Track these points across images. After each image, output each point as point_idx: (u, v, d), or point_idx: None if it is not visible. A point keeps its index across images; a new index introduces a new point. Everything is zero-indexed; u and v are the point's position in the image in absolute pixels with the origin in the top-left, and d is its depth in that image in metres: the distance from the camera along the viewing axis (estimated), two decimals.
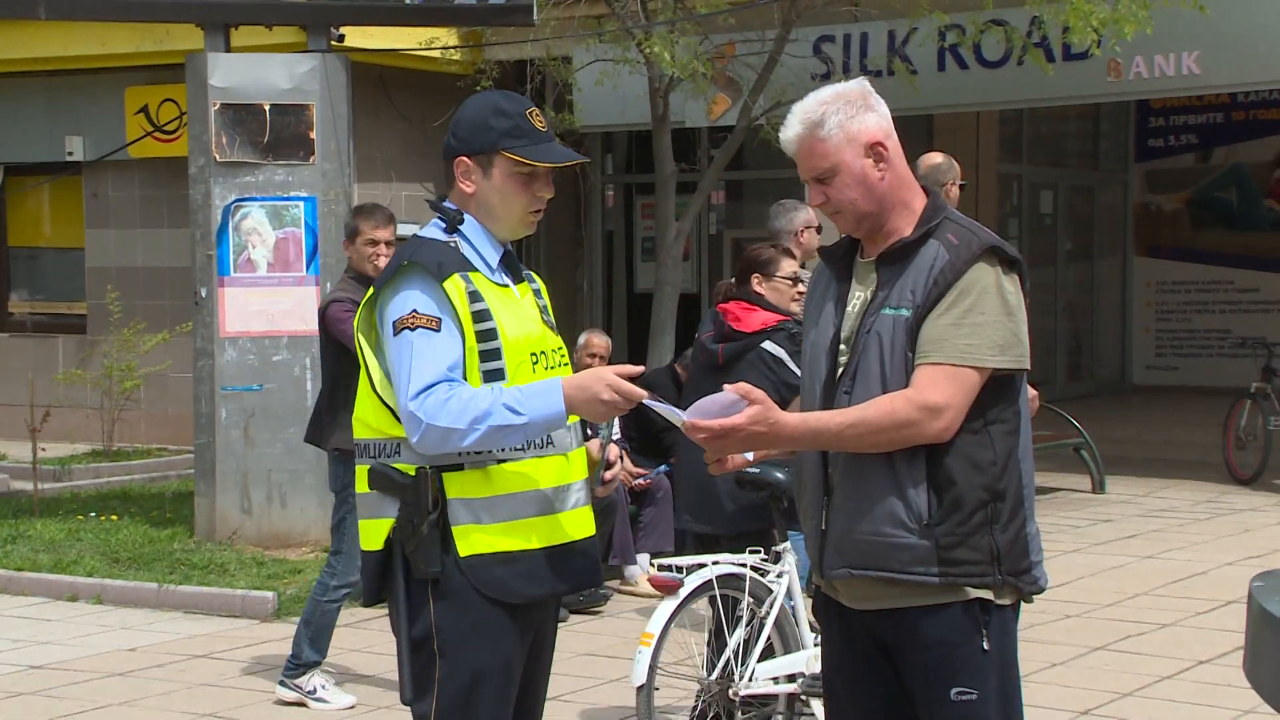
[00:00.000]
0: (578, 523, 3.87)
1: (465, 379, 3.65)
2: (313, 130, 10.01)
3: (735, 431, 3.45)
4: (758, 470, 5.33)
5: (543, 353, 3.83)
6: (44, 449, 12.41)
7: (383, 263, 6.52)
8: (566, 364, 3.93)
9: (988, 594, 3.51)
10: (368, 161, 14.28)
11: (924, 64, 13.64)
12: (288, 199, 9.87)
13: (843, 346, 3.63)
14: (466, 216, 3.83)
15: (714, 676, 5.64)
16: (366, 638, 8.00)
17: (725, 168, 13.33)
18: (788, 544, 5.72)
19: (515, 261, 3.92)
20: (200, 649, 8.04)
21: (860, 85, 3.65)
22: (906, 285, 3.55)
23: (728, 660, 5.61)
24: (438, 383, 3.60)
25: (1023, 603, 3.63)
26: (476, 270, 3.77)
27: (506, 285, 3.84)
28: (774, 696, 5.74)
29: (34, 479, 12.09)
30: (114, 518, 11.01)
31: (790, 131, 3.64)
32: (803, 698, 5.72)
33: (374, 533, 3.73)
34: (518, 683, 3.84)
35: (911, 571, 3.48)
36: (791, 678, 5.72)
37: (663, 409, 3.60)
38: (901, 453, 3.48)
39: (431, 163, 15.42)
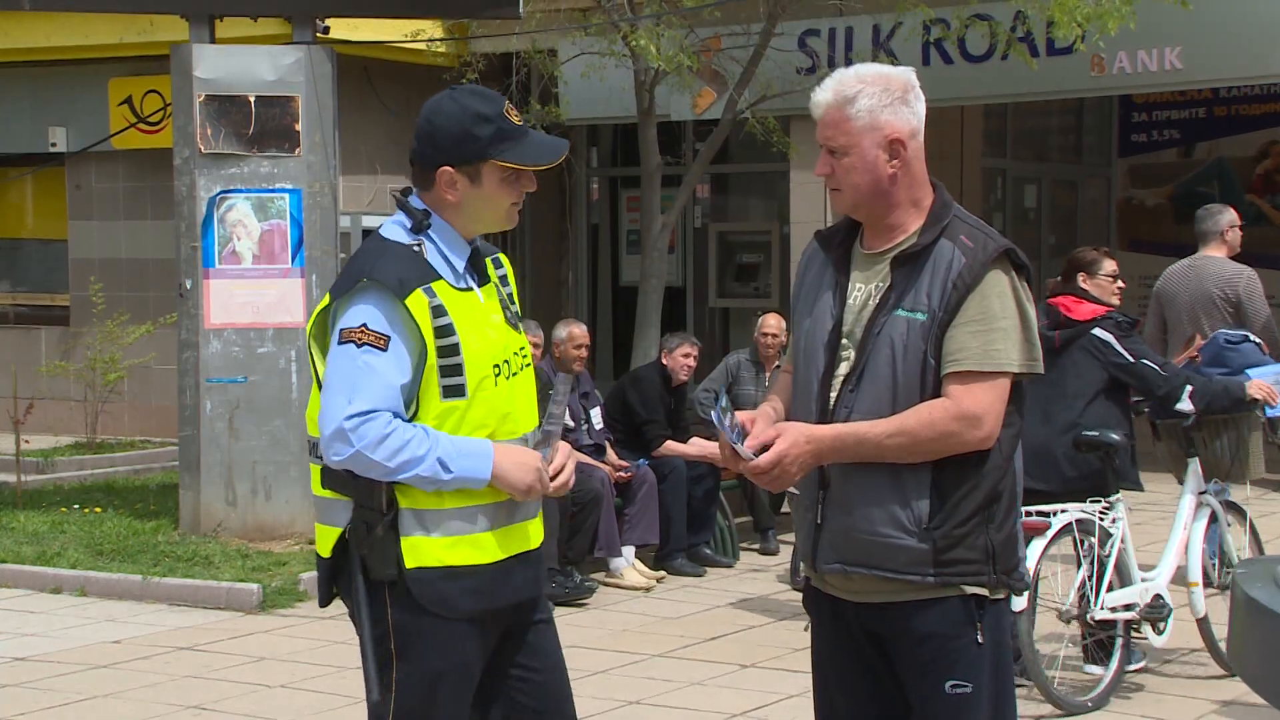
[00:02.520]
0: (526, 535, 3.80)
1: (417, 398, 3.62)
2: (298, 122, 9.99)
3: (783, 460, 3.43)
4: (1096, 433, 6.66)
5: (505, 361, 3.76)
6: (27, 441, 12.39)
7: None
8: (528, 364, 3.88)
9: (983, 591, 3.52)
10: (353, 153, 14.25)
11: (908, 58, 13.61)
12: (273, 191, 9.86)
13: (844, 341, 3.58)
14: (434, 218, 3.74)
15: (1070, 604, 6.76)
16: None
17: (710, 161, 13.34)
18: (1118, 495, 6.87)
19: (481, 260, 3.84)
20: (185, 641, 8.03)
21: (906, 76, 3.61)
22: (922, 288, 3.51)
23: (1083, 592, 6.70)
24: (379, 411, 3.55)
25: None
26: (440, 279, 3.68)
27: (470, 290, 3.75)
28: (1114, 622, 6.81)
29: (17, 471, 12.07)
30: (98, 510, 11.01)
31: (821, 96, 3.59)
32: (1135, 624, 6.89)
33: (325, 540, 3.70)
34: (477, 680, 3.80)
35: (907, 572, 3.48)
36: (1128, 606, 6.83)
37: (729, 436, 3.54)
38: (905, 468, 3.48)
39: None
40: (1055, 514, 6.59)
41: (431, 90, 14.70)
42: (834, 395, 3.56)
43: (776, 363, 10.42)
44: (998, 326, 3.47)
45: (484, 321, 3.74)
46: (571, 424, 9.54)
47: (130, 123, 14.96)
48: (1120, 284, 7.37)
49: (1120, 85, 14.21)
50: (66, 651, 7.81)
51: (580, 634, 8.07)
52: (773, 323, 10.56)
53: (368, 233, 13.78)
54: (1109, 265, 7.28)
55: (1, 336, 16.34)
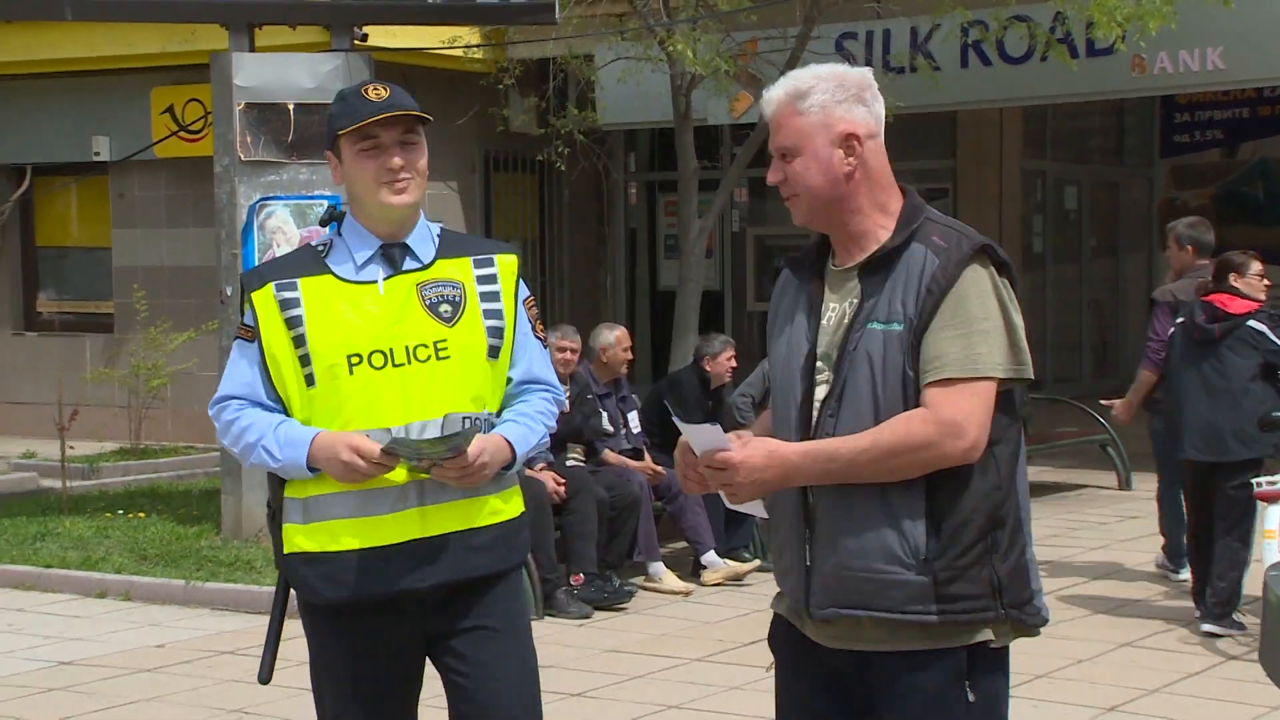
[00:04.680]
0: (402, 525, 3.68)
1: (274, 385, 3.72)
2: None
3: (734, 469, 3.16)
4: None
5: (377, 351, 3.67)
6: (72, 447, 12.51)
7: None
8: (430, 358, 3.71)
9: (987, 633, 3.19)
10: None
11: (947, 60, 13.65)
12: (312, 198, 9.91)
13: (819, 364, 3.29)
14: (347, 215, 3.83)
15: None
16: None
17: (747, 165, 13.36)
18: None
19: (401, 255, 3.78)
20: (227, 645, 8.09)
21: (863, 75, 3.36)
22: (896, 296, 3.21)
23: None
24: (230, 398, 3.78)
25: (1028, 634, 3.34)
26: (327, 273, 3.74)
27: (367, 283, 3.74)
28: None
29: (63, 477, 12.18)
30: (141, 515, 11.09)
31: (772, 93, 3.35)
32: None
33: None
34: (368, 683, 3.76)
35: (908, 610, 3.16)
36: None
37: (687, 427, 3.32)
38: (888, 485, 3.17)
39: (453, 160, 15.54)
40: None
41: (469, 96, 14.90)
42: (814, 420, 3.27)
43: None
44: (978, 329, 3.17)
45: (361, 311, 3.71)
46: (610, 429, 9.56)
47: (172, 131, 15.06)
48: (1266, 282, 8.42)
49: (1162, 86, 14.14)
50: (110, 655, 7.88)
51: (619, 638, 8.13)
52: (623, 336, 10.23)
53: None
54: (1256, 266, 8.29)
55: (47, 344, 16.50)
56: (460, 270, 3.80)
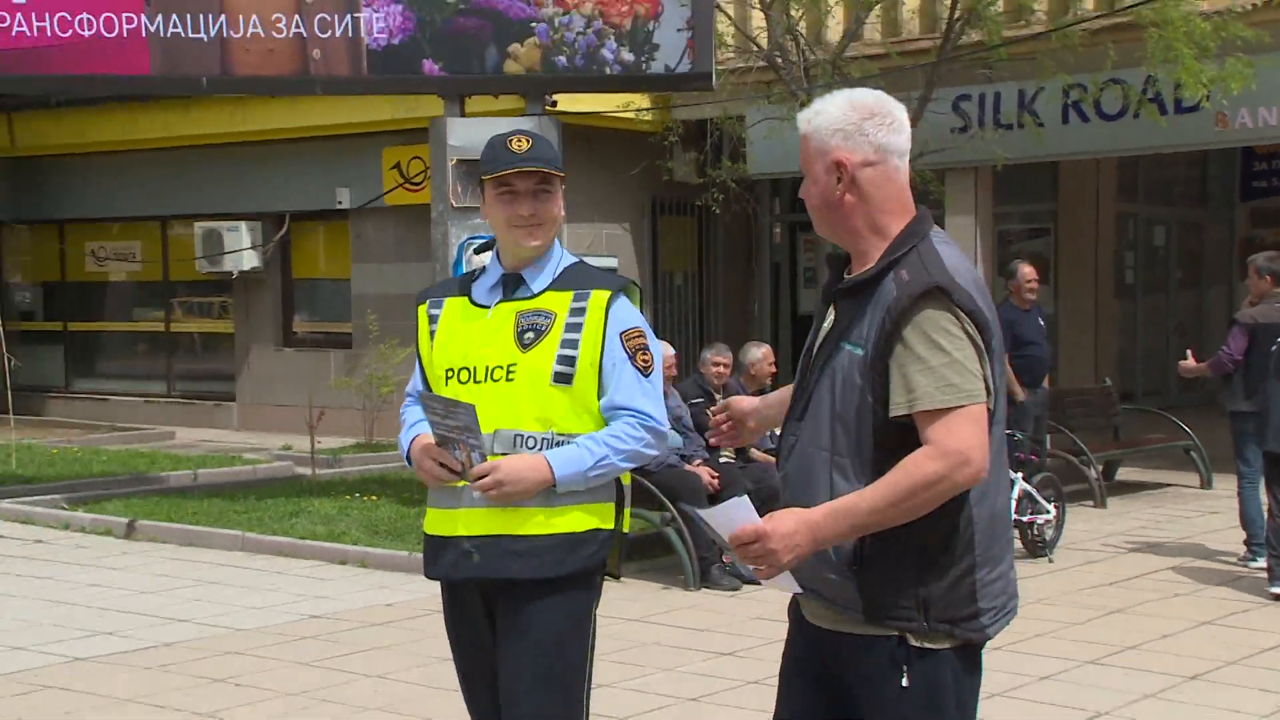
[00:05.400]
0: (453, 521, 3.54)
1: (430, 387, 3.64)
2: None
3: (765, 538, 2.82)
4: None
5: (465, 368, 3.53)
6: (320, 441, 12.82)
7: None
8: (501, 379, 3.49)
9: (911, 635, 2.88)
10: (576, 205, 14.47)
11: (1050, 118, 13.45)
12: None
13: (809, 371, 3.04)
14: (494, 246, 3.70)
15: None
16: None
17: None
18: None
19: (515, 285, 3.58)
20: (440, 606, 8.17)
21: (875, 102, 3.01)
22: (864, 322, 2.89)
23: None
24: (409, 394, 3.77)
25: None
26: (463, 296, 3.65)
27: (483, 307, 3.60)
28: None
29: (312, 466, 12.50)
30: (374, 498, 11.26)
31: (802, 115, 3.06)
32: None
33: None
34: (457, 651, 3.67)
35: (840, 604, 2.92)
36: None
37: (702, 519, 3.04)
38: (840, 490, 2.87)
39: (627, 206, 15.66)
40: None
41: (640, 151, 15.06)
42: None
43: None
44: (943, 361, 2.80)
45: (470, 333, 3.58)
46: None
47: (398, 183, 15.40)
48: None
49: (1242, 138, 13.74)
50: (349, 611, 8.04)
51: (763, 608, 7.95)
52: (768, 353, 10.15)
53: None
54: None
55: (300, 357, 16.92)
56: (560, 302, 3.53)
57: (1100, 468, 12.00)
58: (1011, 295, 11.21)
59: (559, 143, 10.48)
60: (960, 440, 2.78)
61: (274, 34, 10.46)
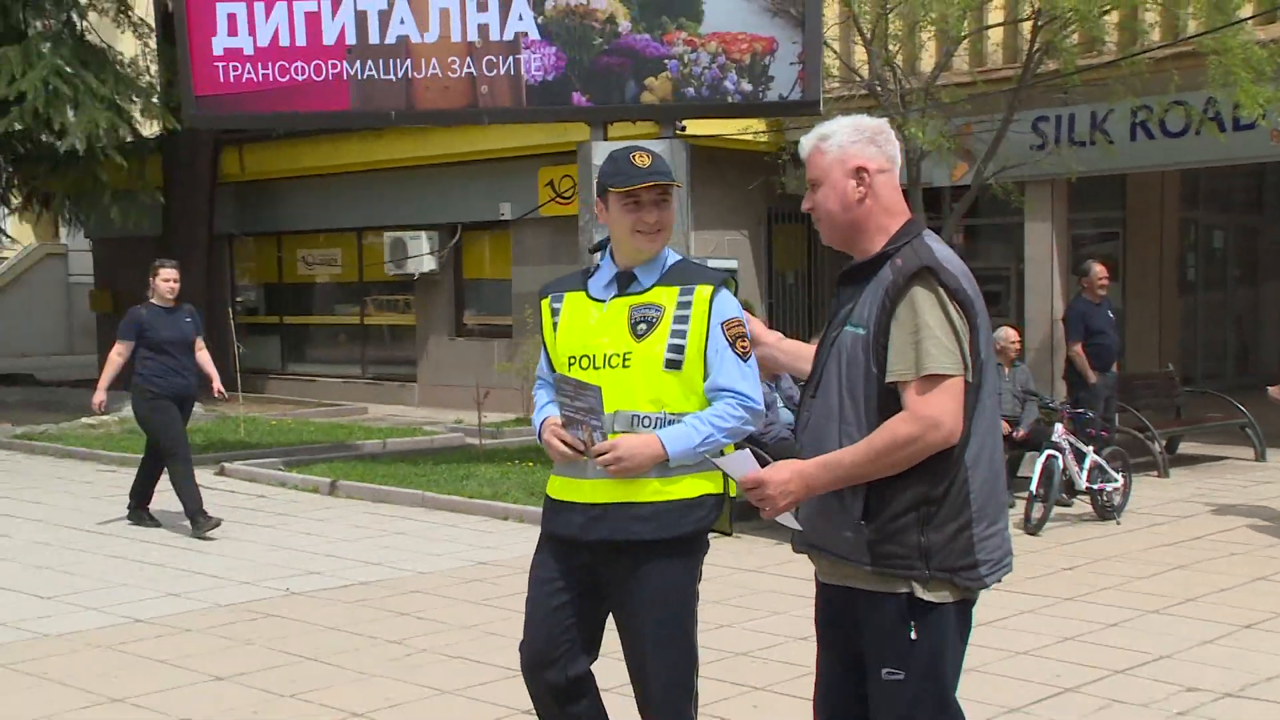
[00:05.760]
0: (577, 489, 3.46)
1: (554, 369, 3.56)
2: None
3: (763, 485, 2.86)
4: None
5: (585, 356, 3.44)
6: (485, 416, 12.98)
7: None
8: (618, 365, 3.40)
9: (917, 588, 2.84)
10: (702, 214, 14.48)
11: (1119, 135, 13.14)
12: None
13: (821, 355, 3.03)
14: (607, 246, 3.58)
15: None
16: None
17: (963, 216, 13.09)
18: None
19: (628, 281, 3.49)
20: None
21: (878, 123, 3.04)
22: (865, 304, 2.89)
23: None
24: (539, 378, 3.67)
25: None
26: (581, 290, 3.54)
27: (601, 301, 3.49)
28: None
29: (479, 437, 12.67)
30: (531, 464, 11.33)
31: (806, 139, 3.05)
32: None
33: None
34: (549, 597, 3.51)
35: (850, 558, 2.90)
36: None
37: (718, 465, 3.07)
38: None
39: (746, 215, 15.61)
40: None
41: (757, 168, 15.02)
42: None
43: (1014, 359, 10.13)
44: (926, 337, 2.78)
45: (589, 324, 3.48)
46: None
47: (551, 197, 15.50)
48: None
49: None
50: (510, 559, 8.10)
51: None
52: (1011, 333, 10.21)
53: None
54: None
55: (469, 345, 17.15)
56: (668, 297, 3.43)
57: (1163, 443, 11.71)
58: (1084, 291, 10.96)
59: (687, 162, 10.53)
60: (933, 407, 2.77)
61: (449, 74, 10.61)
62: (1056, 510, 9.44)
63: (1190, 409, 13.04)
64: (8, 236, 23.55)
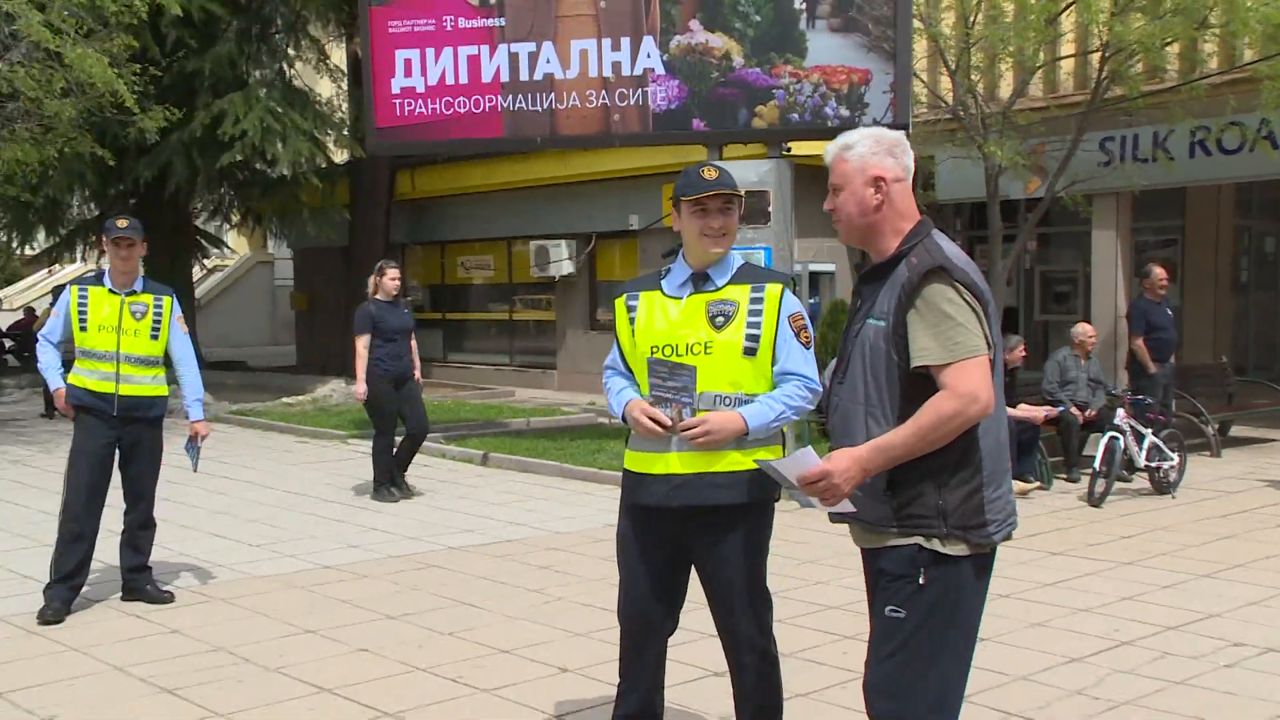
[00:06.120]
0: (659, 462, 3.40)
1: (626, 360, 3.53)
2: (770, 206, 10.12)
3: (828, 474, 2.76)
4: None
5: (668, 345, 3.40)
6: None
7: None
8: (700, 353, 3.38)
9: (936, 542, 2.75)
10: (804, 224, 14.30)
11: (1179, 153, 12.68)
12: (753, 249, 9.98)
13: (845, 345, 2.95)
14: (680, 251, 3.53)
15: None
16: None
17: (1036, 225, 12.74)
18: None
19: (702, 281, 3.45)
20: None
21: (897, 135, 2.92)
22: (884, 299, 2.81)
23: None
24: (609, 367, 3.62)
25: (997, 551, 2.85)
26: (656, 290, 3.50)
27: (677, 298, 3.45)
28: None
29: (609, 416, 12.64)
30: None
31: (830, 146, 2.95)
32: None
33: None
34: (644, 564, 3.46)
35: (879, 525, 2.82)
36: None
37: (774, 472, 2.94)
38: (874, 434, 2.78)
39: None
40: None
41: None
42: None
43: (1089, 352, 9.85)
44: (950, 324, 2.71)
45: (668, 318, 3.44)
46: None
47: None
48: None
49: None
50: None
51: None
52: (1088, 328, 10.00)
53: (815, 275, 13.85)
54: None
55: (601, 337, 17.15)
56: (740, 293, 3.42)
57: (1216, 426, 11.29)
58: (1146, 291, 10.61)
59: (792, 179, 10.44)
60: (970, 384, 2.70)
61: (587, 104, 10.67)
62: (1117, 485, 9.22)
63: (1242, 396, 12.52)
64: (229, 248, 24.55)
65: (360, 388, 8.95)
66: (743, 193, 3.55)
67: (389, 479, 9.01)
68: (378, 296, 9.00)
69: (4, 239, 20.12)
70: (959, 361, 2.71)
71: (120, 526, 6.09)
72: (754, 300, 3.42)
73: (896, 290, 2.78)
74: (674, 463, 3.40)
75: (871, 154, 2.88)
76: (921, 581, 2.76)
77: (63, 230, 20.02)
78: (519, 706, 4.45)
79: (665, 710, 3.65)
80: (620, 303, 3.56)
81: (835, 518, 2.92)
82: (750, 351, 3.38)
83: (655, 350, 3.42)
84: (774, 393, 3.40)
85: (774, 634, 3.52)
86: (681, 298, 3.46)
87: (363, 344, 8.90)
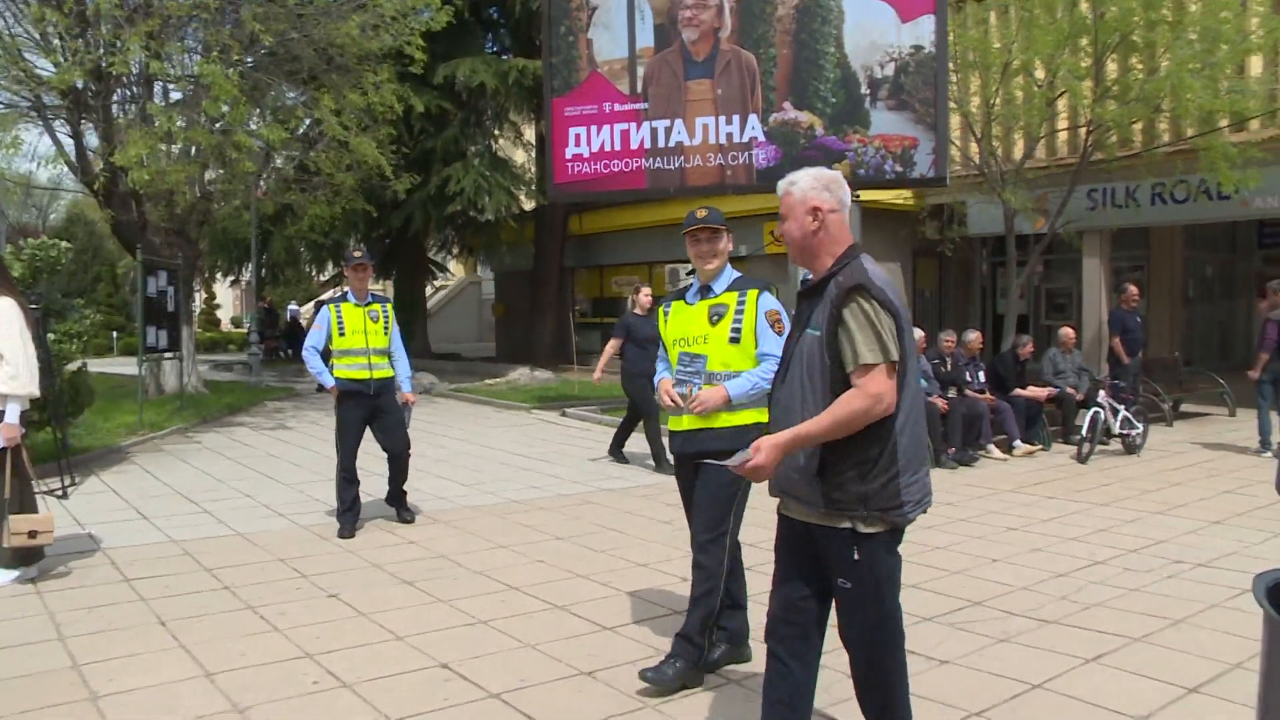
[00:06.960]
0: (682, 421, 3.48)
1: (665, 350, 3.58)
2: None
3: (759, 451, 2.52)
4: None
5: (684, 338, 3.47)
6: None
7: None
8: (700, 343, 3.43)
9: (859, 524, 2.53)
10: (868, 253, 13.79)
11: (1144, 201, 12.22)
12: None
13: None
14: (694, 272, 3.56)
15: None
16: None
17: (1041, 254, 12.29)
18: None
19: (706, 291, 3.51)
20: None
21: (834, 174, 2.66)
22: (819, 312, 2.56)
23: None
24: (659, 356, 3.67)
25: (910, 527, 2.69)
26: (681, 299, 3.54)
27: (692, 304, 3.50)
28: None
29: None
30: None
31: (780, 183, 2.69)
32: None
33: None
34: (684, 494, 3.59)
35: (809, 502, 2.58)
36: None
37: (721, 465, 2.74)
38: None
39: (899, 252, 15.03)
40: None
41: (906, 221, 14.35)
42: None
43: (1073, 348, 9.47)
44: (864, 335, 2.48)
45: (686, 319, 3.50)
46: (970, 380, 8.88)
47: (771, 241, 15.24)
48: None
49: (1258, 213, 11.71)
50: None
51: (971, 478, 7.61)
52: (1069, 331, 9.50)
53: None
54: None
55: None
56: (731, 298, 3.46)
57: (1170, 403, 10.83)
58: (1122, 303, 10.22)
59: (860, 220, 10.32)
60: (877, 386, 2.46)
61: (707, 164, 10.76)
62: (1099, 448, 8.93)
63: (1189, 382, 11.95)
64: (450, 272, 25.44)
65: (598, 374, 8.42)
66: (724, 227, 3.50)
67: (657, 457, 7.81)
68: (635, 311, 8.40)
69: (309, 269, 21.31)
70: (869, 365, 2.47)
71: (374, 472, 6.10)
72: (739, 302, 3.44)
73: (828, 304, 2.54)
74: (685, 422, 3.49)
75: (811, 189, 2.63)
76: (856, 557, 2.55)
77: (343, 263, 20.87)
78: (652, 605, 4.50)
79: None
80: (660, 310, 3.63)
81: (773, 492, 2.68)
82: (734, 340, 3.41)
83: (678, 341, 3.49)
84: (753, 369, 3.41)
85: (720, 554, 3.40)
86: (694, 304, 3.51)
87: (613, 345, 8.26)
